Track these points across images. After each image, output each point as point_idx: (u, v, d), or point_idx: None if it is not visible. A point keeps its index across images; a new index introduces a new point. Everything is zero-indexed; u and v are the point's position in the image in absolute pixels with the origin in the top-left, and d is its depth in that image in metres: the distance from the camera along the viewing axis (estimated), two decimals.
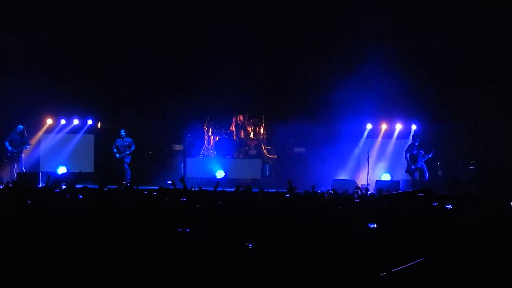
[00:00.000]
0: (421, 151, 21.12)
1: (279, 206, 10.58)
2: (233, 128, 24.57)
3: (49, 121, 24.07)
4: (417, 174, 21.23)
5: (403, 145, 22.37)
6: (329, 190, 14.39)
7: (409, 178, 21.52)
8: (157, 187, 13.73)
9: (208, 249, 6.97)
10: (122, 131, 22.38)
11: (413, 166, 21.24)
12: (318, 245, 7.48)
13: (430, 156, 21.03)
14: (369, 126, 23.54)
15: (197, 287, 6.37)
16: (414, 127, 23.14)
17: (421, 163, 21.09)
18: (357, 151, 23.33)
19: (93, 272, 6.42)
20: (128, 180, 21.41)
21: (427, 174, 21.15)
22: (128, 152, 22.20)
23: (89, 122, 24.28)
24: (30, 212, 8.98)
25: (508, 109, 22.51)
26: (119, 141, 22.34)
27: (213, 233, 7.82)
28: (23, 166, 21.73)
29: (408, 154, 21.34)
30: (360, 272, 6.65)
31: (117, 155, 22.26)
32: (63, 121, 24.16)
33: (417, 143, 21.31)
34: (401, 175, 22.13)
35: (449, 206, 10.68)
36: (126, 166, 22.18)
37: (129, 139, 22.36)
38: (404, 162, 21.64)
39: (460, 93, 22.77)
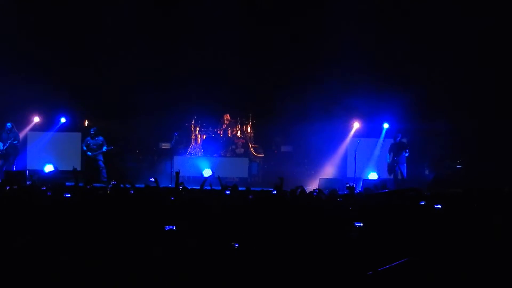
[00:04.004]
0: (402, 149, 21.34)
1: (267, 205, 10.58)
2: (220, 127, 24.54)
3: (36, 119, 23.92)
4: (397, 172, 21.36)
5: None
6: (315, 189, 14.39)
7: (390, 176, 21.70)
8: (142, 185, 13.66)
9: (195, 248, 6.97)
10: (92, 129, 22.09)
11: (391, 163, 21.40)
12: (304, 244, 7.48)
13: (405, 154, 21.24)
14: (356, 125, 23.53)
15: (184, 285, 6.36)
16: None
17: (400, 161, 21.26)
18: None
19: (80, 270, 6.41)
20: (104, 179, 21.12)
21: (405, 171, 21.35)
22: (101, 151, 21.85)
23: (76, 120, 24.17)
24: (18, 210, 8.96)
25: (495, 108, 22.63)
26: (89, 139, 22.02)
27: (200, 232, 7.81)
28: (13, 165, 21.69)
29: (390, 152, 21.52)
30: (347, 271, 6.66)
31: (89, 153, 21.93)
32: (50, 119, 24.04)
33: (397, 141, 21.47)
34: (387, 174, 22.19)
35: (438, 206, 10.70)
36: (102, 164, 21.90)
37: (101, 138, 22.02)
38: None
39: (446, 93, 22.87)
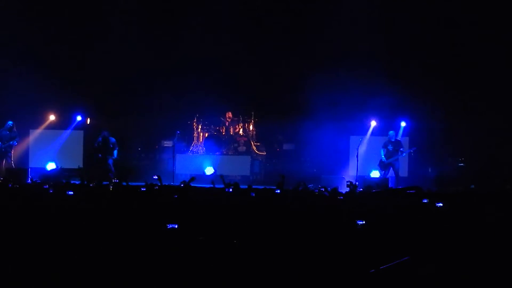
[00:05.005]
0: (398, 148, 21.27)
1: (269, 203, 10.58)
2: (223, 125, 24.55)
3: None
4: (390, 170, 21.31)
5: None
6: (320, 187, 14.38)
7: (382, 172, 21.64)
8: (144, 183, 13.63)
9: (198, 246, 6.97)
10: (105, 132, 21.81)
11: (386, 161, 21.32)
12: (306, 242, 7.48)
13: (403, 155, 21.21)
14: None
15: (186, 284, 6.36)
16: (403, 124, 23.19)
17: (394, 159, 21.20)
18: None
19: (82, 269, 6.41)
20: (111, 179, 20.86)
21: (399, 170, 21.29)
22: (112, 156, 21.52)
23: (78, 118, 24.18)
24: (19, 208, 8.97)
25: (495, 107, 22.65)
26: (100, 140, 21.68)
27: (202, 230, 7.81)
28: (12, 162, 21.62)
29: (385, 150, 21.44)
30: (349, 268, 6.66)
31: (100, 155, 21.60)
32: (52, 117, 24.06)
33: (393, 140, 21.40)
34: (390, 172, 22.14)
35: (440, 204, 10.69)
36: (111, 164, 21.66)
37: (113, 140, 21.71)
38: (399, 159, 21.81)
39: (449, 91, 22.88)
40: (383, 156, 21.39)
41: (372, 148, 22.95)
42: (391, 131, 21.79)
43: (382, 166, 21.43)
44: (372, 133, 23.39)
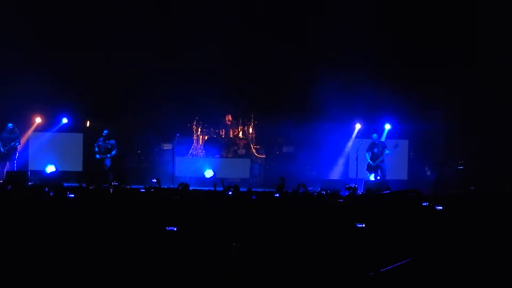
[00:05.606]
0: (383, 149, 21.28)
1: (269, 206, 10.58)
2: (222, 128, 24.56)
3: (38, 120, 23.91)
4: (379, 172, 21.31)
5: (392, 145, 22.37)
6: (321, 191, 14.39)
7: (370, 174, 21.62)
8: (146, 186, 13.65)
9: (197, 249, 6.97)
10: (105, 131, 21.61)
11: (373, 164, 21.34)
12: (306, 245, 7.48)
13: (389, 154, 21.23)
14: (358, 126, 23.53)
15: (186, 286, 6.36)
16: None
17: (380, 161, 21.21)
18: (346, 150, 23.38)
19: (82, 270, 6.41)
20: (110, 182, 20.75)
21: (386, 171, 21.28)
22: (108, 155, 21.50)
23: (78, 121, 24.17)
24: (18, 211, 8.96)
25: (497, 108, 22.64)
26: (100, 140, 21.51)
27: (201, 232, 7.82)
28: (15, 165, 21.59)
29: (370, 153, 21.45)
30: (349, 271, 6.66)
31: (97, 155, 21.47)
32: (52, 120, 24.05)
33: (377, 142, 21.41)
34: (390, 175, 22.14)
35: (440, 207, 10.70)
36: (106, 168, 21.52)
37: (112, 142, 21.51)
38: (398, 162, 21.79)
39: (449, 94, 22.87)
40: (369, 160, 21.43)
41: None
42: (374, 134, 21.80)
43: (371, 169, 21.47)
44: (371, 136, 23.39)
